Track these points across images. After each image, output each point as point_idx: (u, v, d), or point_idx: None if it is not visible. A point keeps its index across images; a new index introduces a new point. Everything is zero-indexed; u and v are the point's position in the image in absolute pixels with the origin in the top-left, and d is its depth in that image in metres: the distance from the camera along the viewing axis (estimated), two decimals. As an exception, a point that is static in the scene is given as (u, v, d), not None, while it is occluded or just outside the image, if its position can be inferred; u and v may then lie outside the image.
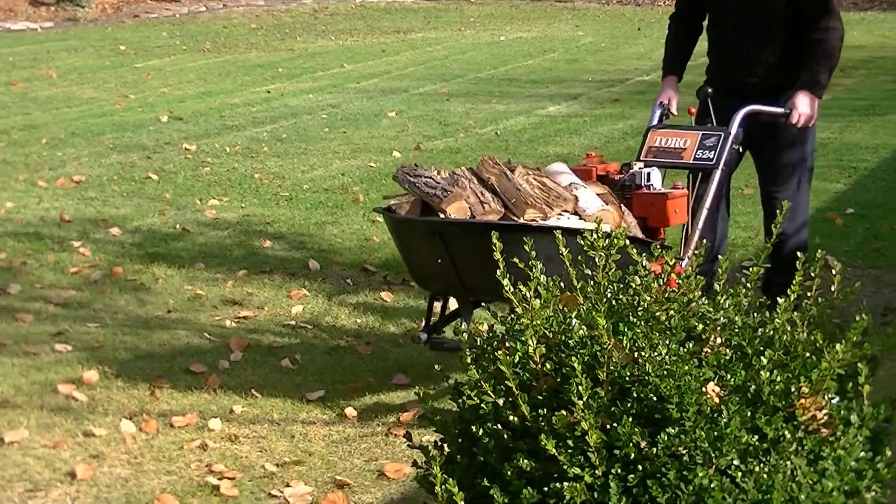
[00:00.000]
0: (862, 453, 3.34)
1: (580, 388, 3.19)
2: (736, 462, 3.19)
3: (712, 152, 5.86)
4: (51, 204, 10.09)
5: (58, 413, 5.73)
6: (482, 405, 3.40)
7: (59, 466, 5.16)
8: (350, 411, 5.74)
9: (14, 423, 5.59)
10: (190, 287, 7.86)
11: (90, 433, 5.48)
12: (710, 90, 6.30)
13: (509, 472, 3.27)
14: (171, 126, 13.98)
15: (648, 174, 5.83)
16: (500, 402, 3.39)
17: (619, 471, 3.19)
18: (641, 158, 5.99)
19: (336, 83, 17.66)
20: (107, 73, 19.13)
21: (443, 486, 3.33)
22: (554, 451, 3.20)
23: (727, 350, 3.38)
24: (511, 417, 3.34)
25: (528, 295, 3.41)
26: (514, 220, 5.26)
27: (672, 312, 3.43)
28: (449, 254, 5.18)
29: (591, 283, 3.56)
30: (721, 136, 5.90)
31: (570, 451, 3.21)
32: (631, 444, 3.18)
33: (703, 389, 3.23)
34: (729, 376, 3.29)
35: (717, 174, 5.85)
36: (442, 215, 5.26)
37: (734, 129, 5.92)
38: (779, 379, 3.26)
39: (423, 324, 5.71)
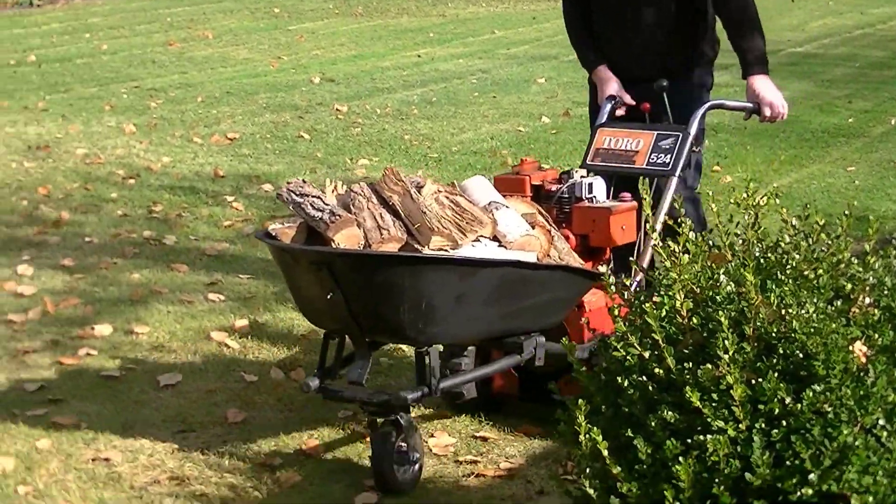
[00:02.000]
0: None
1: (726, 342, 3.22)
2: (882, 422, 3.19)
3: (668, 156, 5.15)
4: (206, 160, 10.32)
5: (210, 359, 5.90)
6: (628, 357, 3.45)
7: (211, 410, 5.32)
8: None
9: (169, 368, 5.77)
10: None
11: (241, 379, 5.64)
12: (665, 83, 5.45)
13: (653, 424, 3.31)
14: (322, 87, 14.16)
15: (590, 185, 5.06)
16: (646, 354, 3.43)
17: (763, 426, 3.22)
18: (587, 162, 5.29)
19: (486, 49, 17.73)
20: (261, 35, 19.44)
21: (587, 436, 3.40)
22: (699, 403, 3.23)
23: (875, 310, 3.38)
24: (656, 370, 3.38)
25: (677, 250, 3.44)
26: (417, 249, 4.37)
27: (821, 272, 3.44)
28: (340, 289, 4.31)
29: (740, 240, 3.58)
30: (679, 137, 5.17)
31: (714, 404, 3.24)
32: (776, 400, 3.20)
33: (850, 348, 3.24)
34: (877, 336, 3.29)
35: (674, 182, 5.13)
36: (331, 244, 4.39)
37: (693, 128, 5.21)
38: (928, 340, 3.27)
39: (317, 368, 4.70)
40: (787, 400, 3.20)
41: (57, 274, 7.26)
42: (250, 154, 10.57)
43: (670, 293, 3.42)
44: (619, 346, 3.47)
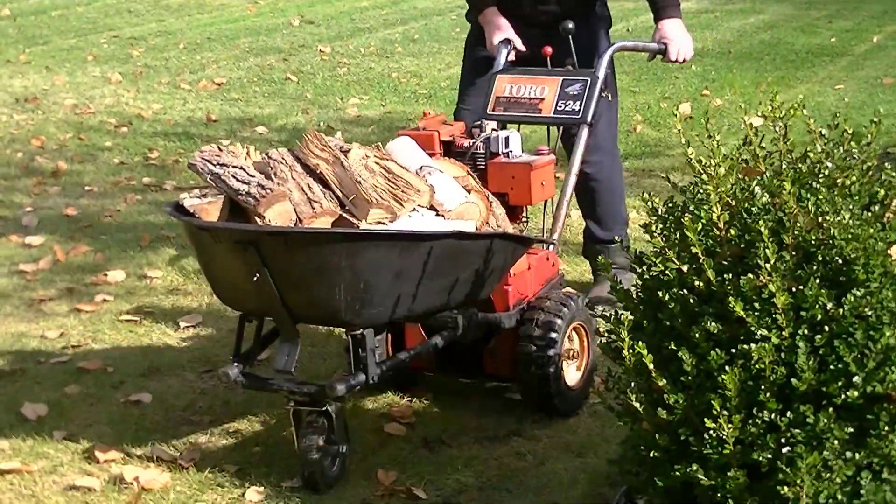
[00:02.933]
0: None
1: (767, 251, 3.27)
2: (924, 321, 3.25)
3: (577, 102, 4.80)
4: (196, 105, 10.31)
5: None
6: (667, 272, 3.49)
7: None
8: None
9: (188, 311, 5.82)
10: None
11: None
12: (570, 25, 5.12)
13: (697, 335, 3.36)
14: (303, 30, 14.15)
15: (507, 138, 4.64)
16: (685, 268, 3.47)
17: (806, 332, 3.27)
18: (489, 112, 4.89)
19: (462, -16, 17.67)
20: (235, -20, 19.34)
21: (630, 350, 3.45)
22: (742, 313, 3.28)
23: (911, 214, 3.43)
24: (696, 283, 3.42)
25: (711, 163, 3.48)
26: (354, 223, 4.02)
27: (854, 178, 3.48)
28: (269, 271, 3.89)
29: (770, 154, 3.61)
30: (587, 82, 4.82)
31: (757, 313, 3.29)
32: (818, 306, 3.25)
33: (888, 252, 3.29)
34: (914, 239, 3.35)
35: (585, 131, 4.82)
36: (258, 221, 3.97)
37: (601, 71, 4.89)
38: (966, 241, 3.32)
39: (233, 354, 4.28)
40: (829, 305, 3.25)
41: (62, 223, 7.27)
42: (240, 98, 10.57)
43: (705, 206, 3.46)
44: (657, 262, 3.52)
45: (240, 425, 4.62)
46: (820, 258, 3.31)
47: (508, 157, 4.64)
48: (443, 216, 4.19)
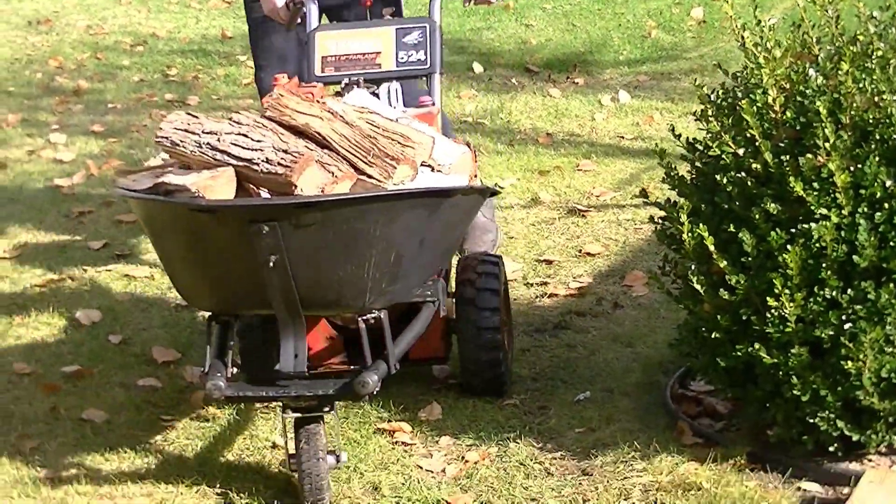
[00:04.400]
0: None
1: (826, 130, 3.32)
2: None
3: (421, 52, 4.33)
4: (209, 23, 10.29)
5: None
6: (723, 157, 3.55)
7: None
8: (543, 196, 5.93)
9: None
10: (362, 92, 8.05)
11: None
12: None
13: (757, 216, 3.42)
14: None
15: (397, 90, 4.27)
16: (741, 151, 3.53)
17: (866, 209, 3.34)
18: (319, 74, 4.29)
19: None
20: None
21: (690, 234, 3.51)
22: (802, 192, 3.34)
23: (963, 93, 3.47)
24: (754, 165, 3.48)
25: (767, 46, 3.53)
26: (379, 185, 3.47)
27: (907, 58, 3.53)
28: (288, 252, 3.31)
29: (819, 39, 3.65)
30: (426, 28, 4.33)
31: (816, 192, 3.36)
32: (877, 184, 3.32)
33: (946, 128, 3.35)
34: (970, 114, 3.40)
35: (437, 80, 4.35)
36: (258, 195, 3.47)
37: (437, 15, 4.40)
38: None
39: (208, 364, 3.56)
40: (888, 183, 3.31)
41: (90, 139, 7.32)
42: (251, 14, 10.54)
43: (761, 90, 3.51)
44: (713, 146, 3.57)
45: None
46: (877, 136, 3.37)
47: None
48: (441, 171, 3.70)
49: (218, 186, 3.35)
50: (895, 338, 3.32)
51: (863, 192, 3.34)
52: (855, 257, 3.31)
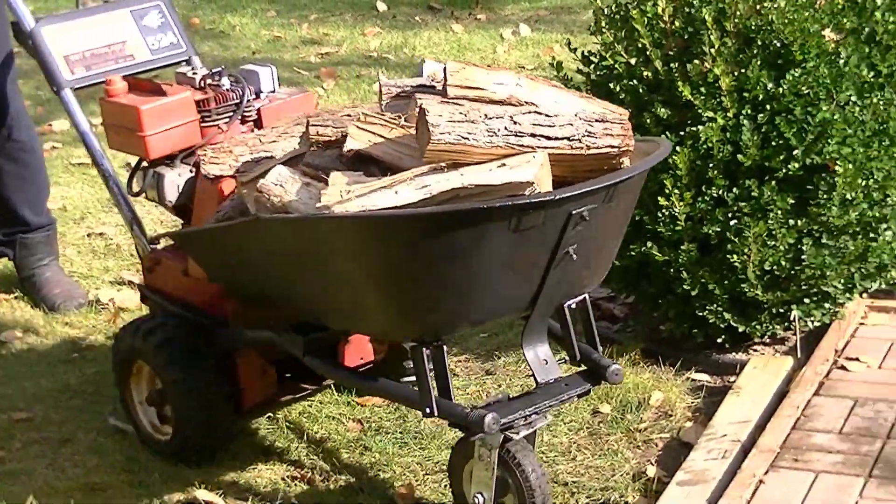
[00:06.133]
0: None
1: (711, 37, 3.51)
2: (854, 98, 3.52)
3: (170, 33, 3.89)
4: None
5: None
6: (616, 66, 3.73)
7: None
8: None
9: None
10: (267, 31, 8.16)
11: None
12: None
13: (648, 121, 3.60)
14: None
15: (256, 74, 3.65)
16: (633, 60, 3.71)
17: (750, 111, 3.52)
18: (73, 79, 3.73)
19: None
20: None
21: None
22: (690, 97, 3.53)
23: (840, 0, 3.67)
24: (645, 73, 3.66)
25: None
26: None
27: (786, -31, 3.71)
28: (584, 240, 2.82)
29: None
30: (160, 6, 3.90)
31: (703, 96, 3.54)
32: (759, 87, 3.50)
33: (822, 33, 3.54)
34: (845, 20, 3.59)
35: (199, 62, 3.90)
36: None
37: None
38: (891, 19, 3.58)
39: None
40: (770, 86, 3.50)
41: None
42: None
43: (651, 1, 3.68)
44: (607, 56, 3.75)
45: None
46: (759, 42, 3.55)
47: (276, 95, 3.68)
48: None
49: (545, 176, 2.74)
50: (777, 232, 3.51)
51: (746, 94, 3.52)
52: (740, 157, 3.50)
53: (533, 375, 2.95)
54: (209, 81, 3.55)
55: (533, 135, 2.71)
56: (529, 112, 2.74)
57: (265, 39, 7.99)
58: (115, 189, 3.69)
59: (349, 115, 2.91)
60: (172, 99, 3.46)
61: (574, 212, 2.70)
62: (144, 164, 3.55)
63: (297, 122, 3.20)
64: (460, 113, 2.68)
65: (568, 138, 2.75)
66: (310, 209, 2.73)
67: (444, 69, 2.81)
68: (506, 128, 2.70)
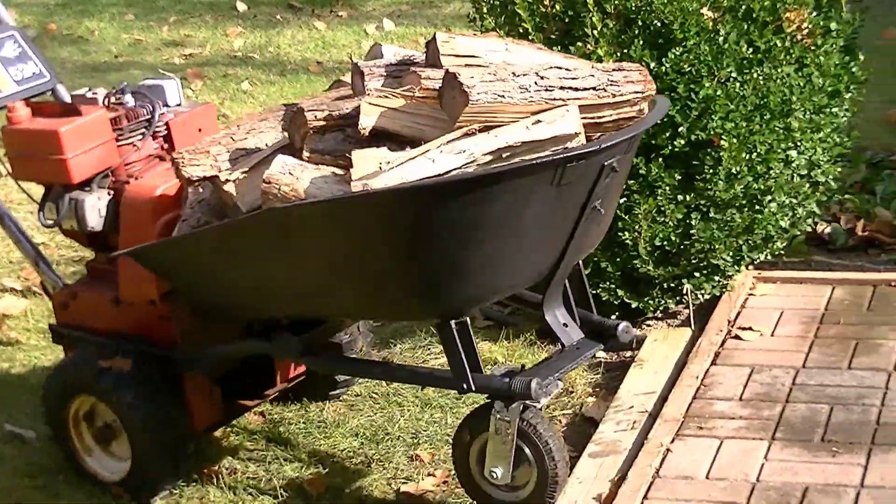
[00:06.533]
0: (837, 60, 3.79)
1: (593, 19, 3.56)
2: (734, 74, 3.60)
3: (31, 63, 3.61)
4: None
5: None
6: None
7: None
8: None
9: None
10: (127, 35, 8.09)
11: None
12: None
13: (534, 104, 3.65)
14: None
15: (162, 87, 3.50)
16: (517, 43, 3.75)
17: (633, 90, 3.59)
18: None
19: None
20: None
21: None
22: (574, 77, 3.58)
23: (715, -22, 3.75)
24: (528, 57, 3.70)
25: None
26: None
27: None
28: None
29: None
30: (15, 36, 3.63)
31: (587, 77, 3.59)
32: (642, 63, 3.56)
33: (701, 11, 3.61)
34: (722, -1, 3.68)
35: (63, 90, 3.62)
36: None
37: (8, 17, 3.73)
38: (767, -4, 3.68)
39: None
40: (652, 64, 3.56)
41: None
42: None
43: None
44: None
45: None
46: (640, 23, 3.61)
47: (183, 108, 3.56)
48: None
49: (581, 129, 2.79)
50: (666, 208, 3.57)
51: (629, 72, 3.58)
52: (625, 135, 3.56)
53: (558, 339, 2.99)
54: (113, 100, 3.39)
55: (562, 87, 2.75)
56: (551, 67, 2.78)
57: (126, 43, 7.91)
58: (13, 226, 3.51)
59: (341, 98, 2.90)
60: (89, 118, 3.29)
61: (606, 163, 2.77)
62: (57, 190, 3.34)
63: (261, 117, 3.14)
64: (489, 73, 2.69)
65: (594, 88, 2.78)
66: (327, 193, 2.69)
67: (434, 40, 2.85)
68: (535, 83, 2.72)
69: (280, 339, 3.10)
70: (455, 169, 2.62)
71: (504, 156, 2.67)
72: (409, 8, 8.19)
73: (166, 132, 3.45)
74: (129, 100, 3.41)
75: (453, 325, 2.82)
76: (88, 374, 3.23)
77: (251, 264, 2.94)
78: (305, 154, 2.78)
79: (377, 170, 2.59)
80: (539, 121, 2.70)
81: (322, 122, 2.81)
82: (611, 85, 2.80)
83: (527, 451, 2.90)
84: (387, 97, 2.73)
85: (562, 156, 2.68)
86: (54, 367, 3.40)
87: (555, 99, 2.74)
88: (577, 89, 2.77)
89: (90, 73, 7.18)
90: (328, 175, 2.72)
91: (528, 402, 2.83)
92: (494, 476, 2.90)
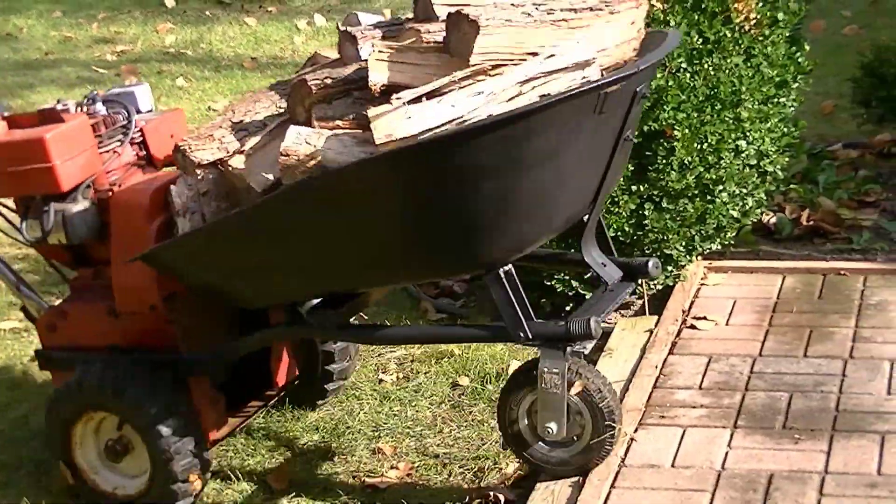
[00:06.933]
0: (784, 50, 3.84)
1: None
2: (685, 64, 3.62)
3: None
4: None
5: None
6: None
7: None
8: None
9: None
10: (56, 32, 8.01)
11: None
12: None
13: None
14: None
15: (133, 93, 3.46)
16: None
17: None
18: None
19: None
20: None
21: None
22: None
23: (663, -30, 3.77)
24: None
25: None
26: None
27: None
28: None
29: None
30: None
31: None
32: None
33: (652, 2, 3.63)
34: (671, -11, 3.70)
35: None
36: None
37: None
38: (716, -14, 3.71)
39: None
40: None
41: None
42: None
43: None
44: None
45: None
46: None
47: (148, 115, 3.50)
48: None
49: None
50: (619, 199, 3.59)
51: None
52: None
53: (600, 278, 2.96)
54: (85, 110, 3.30)
55: (562, 9, 2.74)
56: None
57: (56, 40, 7.83)
58: None
59: (343, 63, 2.84)
60: (73, 124, 3.18)
61: (638, 89, 2.76)
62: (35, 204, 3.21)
63: (254, 99, 3.06)
64: (491, 7, 2.68)
65: (591, 8, 2.78)
66: (349, 156, 2.60)
67: None
68: (536, 8, 2.71)
69: (319, 315, 3.01)
70: (475, 110, 2.56)
71: (524, 91, 2.60)
72: (339, 3, 8.19)
73: (142, 138, 3.38)
74: (100, 108, 3.33)
75: (502, 274, 2.76)
76: (106, 392, 3.09)
77: (298, 240, 2.82)
78: (315, 123, 2.70)
79: (403, 120, 2.51)
80: (552, 55, 2.64)
81: (327, 90, 2.74)
82: (605, 4, 2.80)
83: (576, 400, 2.87)
84: (395, 50, 2.66)
85: (603, 80, 2.63)
86: (55, 391, 3.24)
87: (558, 20, 2.71)
88: (575, 10, 2.76)
89: (22, 70, 7.12)
90: (345, 138, 2.64)
91: (579, 345, 2.83)
92: (550, 432, 2.87)
